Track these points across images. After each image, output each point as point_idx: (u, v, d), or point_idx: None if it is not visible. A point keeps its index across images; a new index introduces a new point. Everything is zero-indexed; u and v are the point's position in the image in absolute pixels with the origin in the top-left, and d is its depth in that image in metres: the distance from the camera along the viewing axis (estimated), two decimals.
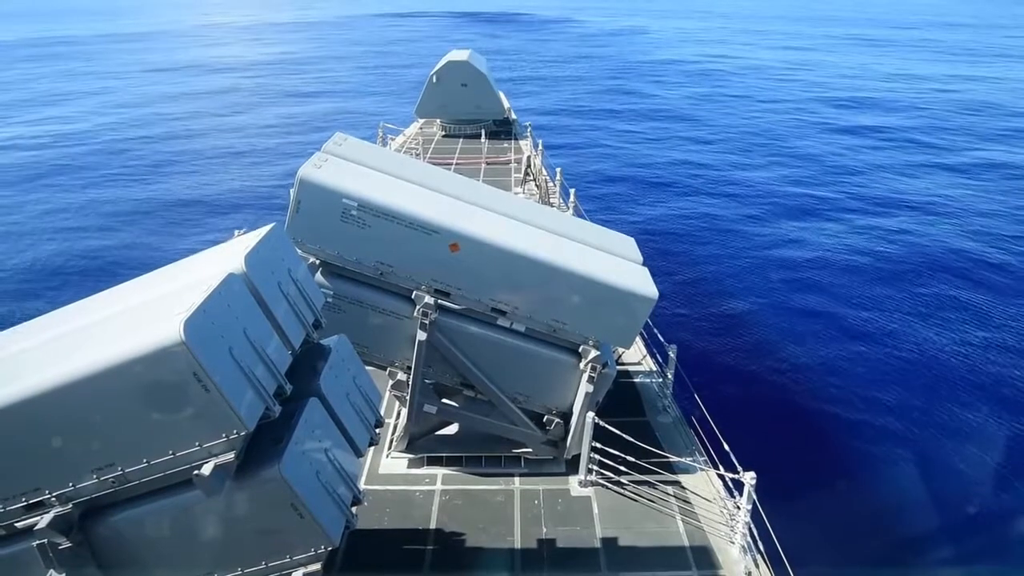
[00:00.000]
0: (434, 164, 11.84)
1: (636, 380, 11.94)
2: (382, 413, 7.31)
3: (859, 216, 32.80)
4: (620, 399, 10.84)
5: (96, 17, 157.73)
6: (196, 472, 4.64)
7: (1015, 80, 72.87)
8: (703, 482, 9.46)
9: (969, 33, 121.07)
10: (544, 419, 9.29)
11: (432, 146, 28.71)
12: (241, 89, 66.49)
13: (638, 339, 11.82)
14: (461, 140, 29.46)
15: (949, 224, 31.90)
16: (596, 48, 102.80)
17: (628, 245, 9.50)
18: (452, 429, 10.15)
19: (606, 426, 8.87)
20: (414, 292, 8.36)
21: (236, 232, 6.10)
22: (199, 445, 4.64)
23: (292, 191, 7.97)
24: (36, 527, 4.71)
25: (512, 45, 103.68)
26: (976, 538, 12.77)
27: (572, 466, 9.50)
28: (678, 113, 57.23)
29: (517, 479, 9.47)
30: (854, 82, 71.24)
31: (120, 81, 70.66)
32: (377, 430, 6.58)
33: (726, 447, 9.09)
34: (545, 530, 8.56)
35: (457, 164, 25.37)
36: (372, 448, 7.96)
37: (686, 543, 8.43)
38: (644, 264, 9.12)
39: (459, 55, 31.44)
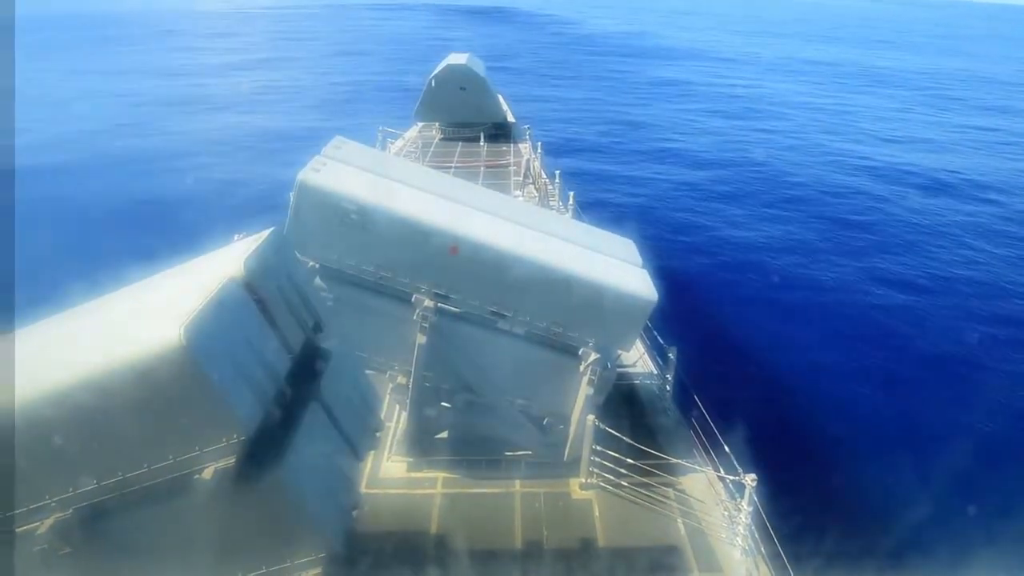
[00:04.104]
0: (433, 168, 11.85)
1: (637, 382, 11.93)
2: (382, 417, 7.31)
3: (856, 218, 32.83)
4: (620, 401, 10.83)
5: None
6: (197, 476, 4.63)
7: None
8: (704, 484, 9.45)
9: None
10: (544, 422, 9.28)
11: (431, 149, 28.71)
12: (237, 88, 66.36)
13: (638, 341, 11.81)
14: (460, 143, 29.43)
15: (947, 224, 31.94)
16: (599, 52, 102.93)
17: (627, 248, 9.51)
18: (452, 432, 10.15)
19: (607, 428, 8.87)
20: (414, 295, 8.36)
21: (236, 236, 6.08)
22: (199, 450, 4.64)
23: (291, 195, 7.97)
24: (37, 532, 4.71)
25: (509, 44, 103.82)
26: (977, 538, 12.72)
27: (573, 469, 9.49)
28: (677, 117, 57.29)
29: (518, 482, 9.47)
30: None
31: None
32: (377, 434, 6.57)
33: (727, 449, 9.09)
34: (546, 533, 8.55)
35: (456, 167, 25.36)
36: (372, 452, 7.96)
37: (687, 545, 8.42)
38: (643, 266, 9.12)
39: (458, 59, 31.38)
